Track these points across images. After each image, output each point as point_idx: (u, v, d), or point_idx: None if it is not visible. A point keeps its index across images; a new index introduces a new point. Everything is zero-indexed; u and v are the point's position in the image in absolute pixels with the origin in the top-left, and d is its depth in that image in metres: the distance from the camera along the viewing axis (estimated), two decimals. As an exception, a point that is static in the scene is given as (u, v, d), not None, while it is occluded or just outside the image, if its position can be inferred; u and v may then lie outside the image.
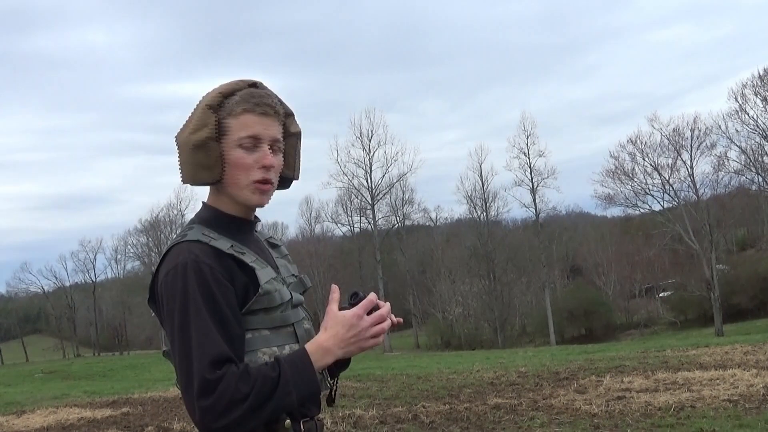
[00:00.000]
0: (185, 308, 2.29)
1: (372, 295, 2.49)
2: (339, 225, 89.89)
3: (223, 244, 2.42)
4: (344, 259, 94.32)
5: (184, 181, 2.53)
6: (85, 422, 15.44)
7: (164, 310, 2.36)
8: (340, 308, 2.48)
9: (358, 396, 16.62)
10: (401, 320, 2.65)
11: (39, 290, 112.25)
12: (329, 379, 2.61)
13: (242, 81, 2.57)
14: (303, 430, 2.46)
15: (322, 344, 2.42)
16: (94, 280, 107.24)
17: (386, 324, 2.49)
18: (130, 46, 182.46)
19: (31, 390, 31.56)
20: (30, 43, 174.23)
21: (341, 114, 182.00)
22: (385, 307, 2.51)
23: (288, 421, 2.38)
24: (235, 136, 2.47)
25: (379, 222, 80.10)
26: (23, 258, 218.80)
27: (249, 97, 2.50)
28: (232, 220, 2.56)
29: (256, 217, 2.68)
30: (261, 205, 2.58)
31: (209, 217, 2.56)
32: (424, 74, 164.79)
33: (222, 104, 2.50)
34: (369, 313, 2.46)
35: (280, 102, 2.61)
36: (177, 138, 2.53)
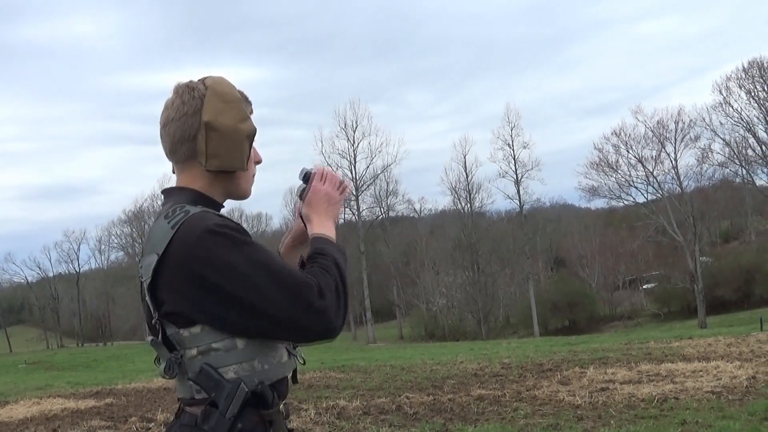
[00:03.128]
0: (249, 258, 2.32)
1: (319, 167, 2.78)
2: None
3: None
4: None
5: (221, 167, 2.51)
6: (68, 413, 15.41)
7: (208, 279, 2.27)
8: (301, 189, 2.75)
9: (341, 387, 16.64)
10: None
11: (22, 280, 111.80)
12: (298, 357, 2.62)
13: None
14: (284, 412, 2.52)
15: (321, 223, 2.69)
16: (77, 270, 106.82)
17: (340, 178, 2.77)
18: (118, 36, 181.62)
19: (14, 381, 31.49)
20: (17, 32, 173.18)
21: (328, 105, 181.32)
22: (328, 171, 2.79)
23: (281, 405, 2.46)
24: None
25: (364, 213, 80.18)
26: (6, 248, 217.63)
27: (247, 97, 2.64)
28: (218, 207, 2.59)
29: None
30: (249, 197, 2.73)
31: (199, 200, 2.52)
32: (411, 65, 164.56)
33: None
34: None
35: None
36: (215, 122, 2.49)
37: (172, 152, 2.57)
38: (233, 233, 2.32)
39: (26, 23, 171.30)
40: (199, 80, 2.59)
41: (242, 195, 2.68)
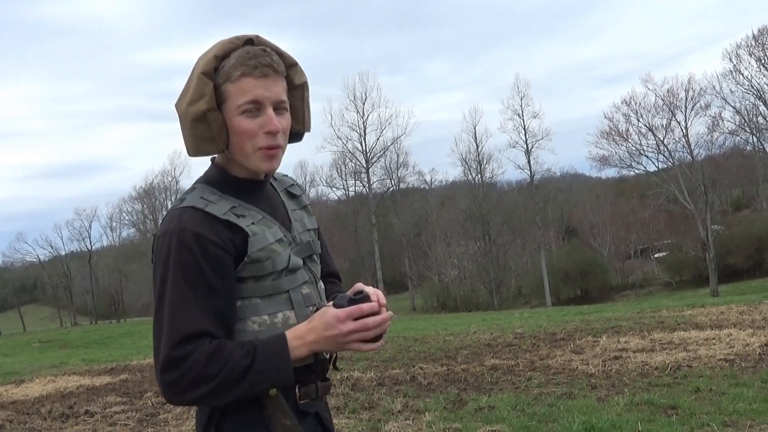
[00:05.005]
0: (164, 279, 2.28)
1: (368, 306, 2.39)
2: (334, 189, 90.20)
3: (220, 208, 2.37)
4: (339, 222, 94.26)
5: (190, 155, 2.45)
6: (84, 390, 15.47)
7: (153, 276, 2.36)
8: (339, 300, 2.42)
9: (355, 358, 16.66)
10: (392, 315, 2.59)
11: (35, 260, 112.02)
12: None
13: (237, 38, 2.44)
14: (299, 394, 2.45)
15: (301, 335, 2.38)
16: (89, 248, 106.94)
17: (370, 333, 2.39)
18: (137, 13, 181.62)
19: (29, 359, 31.61)
20: (37, 11, 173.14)
21: (347, 77, 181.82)
22: (381, 316, 2.41)
23: (273, 389, 2.35)
24: (235, 103, 2.37)
25: (374, 185, 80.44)
26: (18, 228, 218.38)
27: (245, 58, 2.37)
28: (240, 182, 2.49)
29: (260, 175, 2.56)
30: (271, 171, 2.52)
31: (215, 177, 2.49)
32: (431, 36, 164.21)
33: (218, 69, 2.39)
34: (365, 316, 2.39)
35: (280, 54, 2.49)
36: (176, 107, 2.44)
37: None
38: (174, 248, 2.28)
39: (47, 2, 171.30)
40: None
41: (254, 170, 2.47)
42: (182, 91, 2.44)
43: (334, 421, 9.66)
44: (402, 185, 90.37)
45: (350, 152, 79.14)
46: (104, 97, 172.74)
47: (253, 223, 2.41)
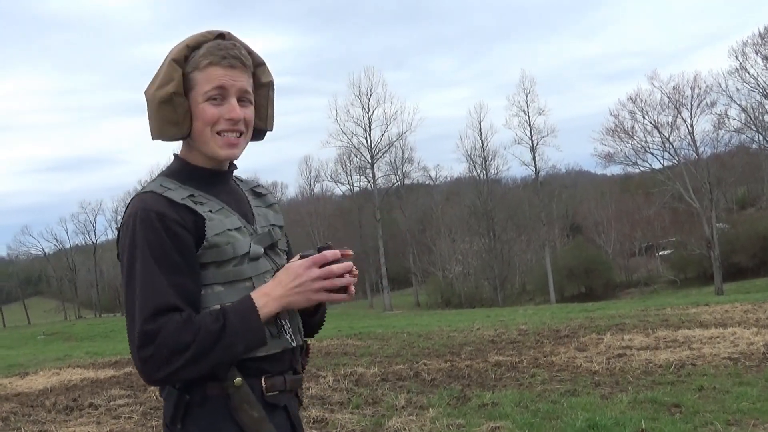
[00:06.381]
0: (132, 258, 2.29)
1: (331, 252, 2.42)
2: (338, 184, 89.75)
3: (178, 194, 2.39)
4: (344, 218, 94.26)
5: (153, 137, 2.49)
6: (88, 383, 15.51)
7: (120, 251, 2.38)
8: (305, 254, 2.45)
9: (359, 354, 16.70)
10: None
11: (40, 253, 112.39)
12: (291, 336, 2.52)
13: (209, 32, 2.51)
14: (265, 385, 2.43)
15: (267, 292, 2.39)
16: (94, 241, 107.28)
17: (337, 281, 2.40)
18: (144, 8, 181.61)
19: (33, 352, 31.69)
20: (45, 5, 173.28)
21: (353, 72, 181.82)
22: (346, 263, 2.43)
23: (238, 378, 2.34)
24: (201, 89, 2.43)
25: (379, 181, 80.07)
26: (24, 221, 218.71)
27: (215, 49, 2.44)
28: (201, 172, 2.53)
29: (232, 164, 2.61)
30: (231, 158, 2.53)
31: (176, 168, 2.53)
32: (435, 31, 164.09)
33: (188, 58, 2.46)
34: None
35: (249, 52, 2.56)
36: (146, 93, 2.48)
37: None
38: (139, 227, 2.30)
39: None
40: None
41: (214, 156, 2.49)
42: (153, 78, 2.49)
43: (338, 416, 9.74)
44: (407, 181, 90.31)
45: (355, 148, 79.01)
46: (110, 91, 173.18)
47: (210, 211, 2.42)
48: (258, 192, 2.74)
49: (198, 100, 2.43)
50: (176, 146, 2.57)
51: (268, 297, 2.37)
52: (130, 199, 2.43)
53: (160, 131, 2.46)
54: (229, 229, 2.43)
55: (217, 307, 2.35)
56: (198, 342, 2.22)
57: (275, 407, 2.47)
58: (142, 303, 2.24)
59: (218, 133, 2.45)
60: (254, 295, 2.38)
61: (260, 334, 2.35)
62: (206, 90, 2.43)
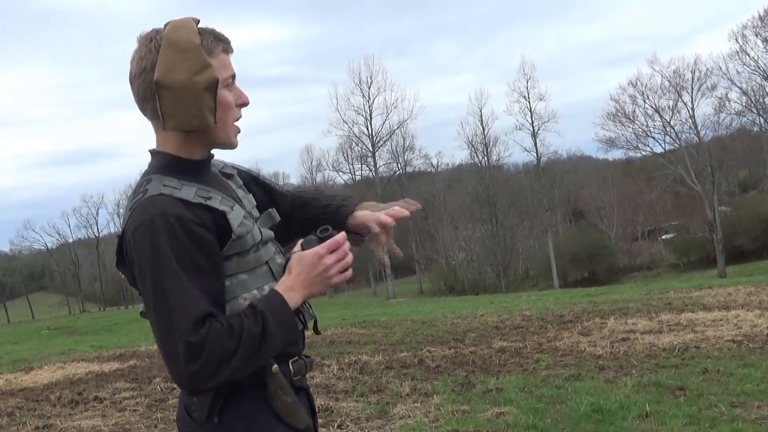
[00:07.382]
0: (157, 268, 2.21)
1: (341, 235, 2.46)
2: (340, 173, 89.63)
3: (188, 192, 2.33)
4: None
5: (178, 128, 2.35)
6: (93, 376, 15.51)
7: (136, 272, 2.29)
8: (307, 242, 2.45)
9: (363, 342, 16.70)
10: (400, 253, 2.60)
11: (42, 247, 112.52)
12: (311, 310, 2.58)
13: (192, 18, 2.41)
14: (292, 370, 2.47)
15: (290, 286, 2.40)
16: (97, 235, 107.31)
17: (350, 257, 2.48)
18: (143, 1, 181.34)
19: (38, 347, 31.65)
20: (44, 0, 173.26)
21: (353, 61, 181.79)
22: (346, 243, 2.49)
23: (275, 366, 2.37)
24: (220, 76, 2.37)
25: (381, 169, 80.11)
26: (26, 215, 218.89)
27: (218, 36, 2.42)
28: (194, 165, 2.46)
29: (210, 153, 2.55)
30: (236, 146, 2.53)
31: (171, 164, 2.42)
32: (435, 19, 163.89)
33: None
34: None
35: None
36: (165, 79, 2.30)
37: (142, 110, 2.45)
38: (160, 234, 2.21)
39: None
40: (163, 26, 2.41)
41: (224, 146, 2.50)
42: (165, 64, 2.31)
43: (342, 404, 9.75)
44: (408, 169, 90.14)
45: (356, 136, 78.97)
46: (111, 85, 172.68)
47: (220, 203, 2.38)
48: (227, 173, 2.69)
49: (219, 87, 2.38)
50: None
51: (292, 291, 2.39)
52: (132, 204, 2.34)
53: (200, 120, 2.34)
54: (244, 217, 2.42)
55: (247, 303, 2.35)
56: (242, 348, 2.21)
57: (299, 390, 2.52)
58: (179, 316, 2.18)
59: (235, 120, 2.48)
60: (279, 289, 2.39)
61: (296, 331, 2.42)
62: (225, 77, 2.41)
